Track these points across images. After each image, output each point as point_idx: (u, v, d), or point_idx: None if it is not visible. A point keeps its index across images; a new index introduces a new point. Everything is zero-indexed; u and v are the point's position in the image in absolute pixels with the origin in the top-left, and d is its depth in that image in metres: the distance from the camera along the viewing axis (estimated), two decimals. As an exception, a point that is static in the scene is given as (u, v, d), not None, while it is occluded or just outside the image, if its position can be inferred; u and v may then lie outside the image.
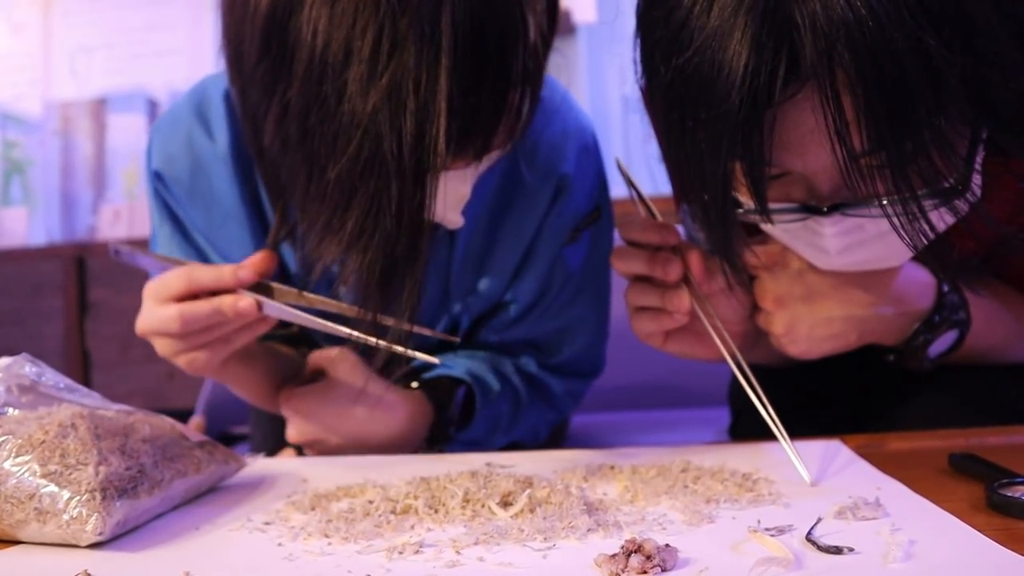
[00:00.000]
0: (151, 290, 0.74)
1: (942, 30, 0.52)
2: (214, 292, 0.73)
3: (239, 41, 0.68)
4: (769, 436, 0.79)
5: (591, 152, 0.90)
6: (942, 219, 0.62)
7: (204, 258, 0.89)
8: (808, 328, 0.74)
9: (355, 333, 0.70)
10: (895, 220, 0.59)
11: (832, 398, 0.96)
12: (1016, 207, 0.76)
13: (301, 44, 0.62)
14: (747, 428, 1.02)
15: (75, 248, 2.68)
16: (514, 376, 0.91)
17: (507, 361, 0.92)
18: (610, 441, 1.21)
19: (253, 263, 0.75)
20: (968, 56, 0.53)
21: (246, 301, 0.72)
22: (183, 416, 1.01)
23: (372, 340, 0.69)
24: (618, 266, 0.76)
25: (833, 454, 0.70)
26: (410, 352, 0.69)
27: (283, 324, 0.95)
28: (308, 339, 0.95)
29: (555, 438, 1.14)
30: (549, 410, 0.95)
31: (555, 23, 0.77)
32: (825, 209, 0.63)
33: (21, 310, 2.68)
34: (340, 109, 0.62)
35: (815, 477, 0.63)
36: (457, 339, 0.83)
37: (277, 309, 0.73)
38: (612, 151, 0.97)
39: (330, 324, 0.71)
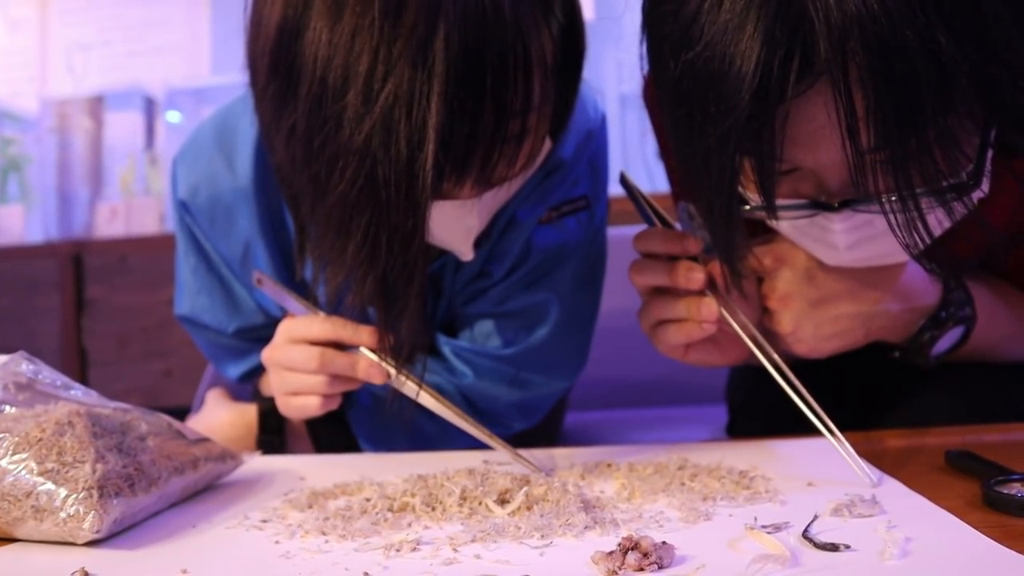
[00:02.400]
0: (289, 329, 0.78)
1: (953, 26, 0.52)
2: (343, 347, 0.76)
3: (252, 59, 0.69)
4: (766, 434, 0.79)
5: (592, 140, 0.88)
6: (939, 221, 0.62)
7: (228, 290, 0.89)
8: (815, 326, 0.74)
9: (470, 426, 0.74)
10: (891, 218, 0.58)
11: (830, 395, 0.96)
12: (1017, 208, 0.76)
13: (305, 67, 0.62)
14: (744, 426, 1.02)
15: (72, 246, 2.68)
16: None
17: (434, 381, 0.89)
18: (606, 439, 1.21)
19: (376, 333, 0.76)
20: (978, 53, 0.53)
21: (379, 370, 0.75)
22: (180, 414, 1.01)
23: (481, 433, 0.73)
24: (637, 280, 0.75)
25: (831, 451, 0.70)
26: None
27: None
28: None
29: (550, 436, 1.14)
30: (491, 425, 0.92)
31: (577, 53, 0.75)
32: (836, 205, 0.62)
33: (18, 308, 2.68)
34: (340, 133, 0.62)
35: (812, 474, 0.63)
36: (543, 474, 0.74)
37: (402, 384, 0.76)
38: (610, 148, 0.95)
39: (449, 412, 0.75)
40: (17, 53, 3.25)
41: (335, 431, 0.86)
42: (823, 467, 0.65)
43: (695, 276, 0.71)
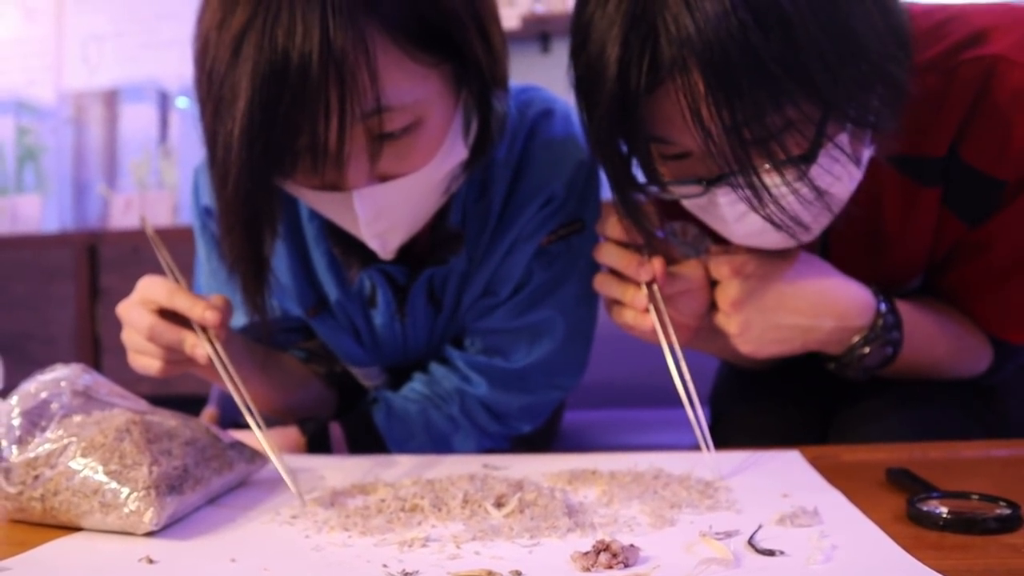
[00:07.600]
0: (142, 286, 0.82)
1: (763, 24, 0.64)
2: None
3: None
4: (745, 442, 0.88)
5: (582, 168, 0.96)
6: (807, 197, 0.72)
7: None
8: (760, 331, 0.85)
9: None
10: (740, 192, 0.71)
11: (805, 404, 1.06)
12: (938, 231, 0.87)
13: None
14: (725, 433, 1.11)
15: (87, 235, 2.75)
16: (453, 404, 0.97)
17: (453, 386, 0.98)
18: (599, 439, 1.30)
19: (221, 309, 0.80)
20: (787, 47, 0.65)
21: (202, 352, 0.79)
22: (190, 402, 1.09)
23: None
24: (597, 256, 0.87)
25: (789, 463, 0.79)
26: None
27: (306, 336, 1.03)
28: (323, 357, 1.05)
29: (546, 437, 1.23)
30: (501, 428, 1.00)
31: (473, 61, 0.79)
32: (704, 182, 0.74)
33: (34, 295, 2.75)
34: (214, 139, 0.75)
35: (771, 485, 0.71)
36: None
37: (219, 374, 0.78)
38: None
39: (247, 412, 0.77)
40: (34, 42, 3.31)
41: (369, 437, 0.95)
42: (782, 479, 0.73)
43: (644, 270, 0.83)
